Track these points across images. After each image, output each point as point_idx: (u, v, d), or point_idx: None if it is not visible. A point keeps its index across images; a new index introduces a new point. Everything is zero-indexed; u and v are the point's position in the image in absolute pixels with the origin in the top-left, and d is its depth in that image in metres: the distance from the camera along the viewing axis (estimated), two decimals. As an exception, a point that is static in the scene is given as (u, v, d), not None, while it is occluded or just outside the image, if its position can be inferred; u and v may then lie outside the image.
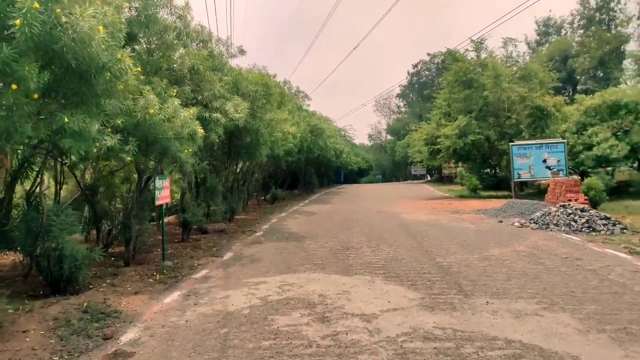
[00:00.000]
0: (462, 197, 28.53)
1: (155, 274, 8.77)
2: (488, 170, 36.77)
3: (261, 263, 9.75)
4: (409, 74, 74.39)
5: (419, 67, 73.89)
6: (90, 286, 7.70)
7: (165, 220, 17.77)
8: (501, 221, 16.12)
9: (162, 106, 7.86)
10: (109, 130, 7.45)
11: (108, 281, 8.17)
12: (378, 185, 58.66)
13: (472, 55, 25.04)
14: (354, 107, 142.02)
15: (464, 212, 19.13)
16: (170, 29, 9.25)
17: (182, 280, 8.40)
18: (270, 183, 29.55)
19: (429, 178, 65.04)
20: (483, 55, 24.69)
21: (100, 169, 11.50)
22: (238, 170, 20.28)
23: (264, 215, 19.52)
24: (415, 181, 64.50)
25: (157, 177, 9.24)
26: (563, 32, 53.75)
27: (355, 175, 73.51)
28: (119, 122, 7.54)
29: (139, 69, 6.82)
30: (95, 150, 7.19)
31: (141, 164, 9.40)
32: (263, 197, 28.17)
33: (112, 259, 10.34)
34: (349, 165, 56.95)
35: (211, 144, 13.21)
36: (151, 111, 7.56)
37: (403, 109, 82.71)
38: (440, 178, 50.96)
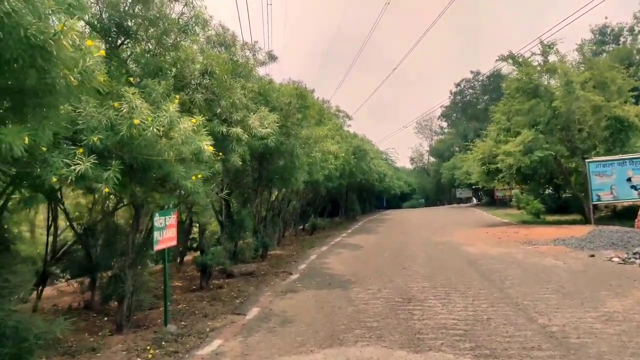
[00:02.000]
0: (525, 222, 25.11)
1: (149, 347, 6.38)
2: (550, 191, 33.00)
3: (295, 326, 7.20)
4: (451, 94, 71.07)
5: (462, 85, 70.55)
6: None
7: (187, 258, 15.55)
8: (593, 255, 12.96)
9: (154, 116, 5.62)
10: (80, 151, 5.28)
11: (79, 364, 5.85)
12: (423, 210, 55.20)
13: (538, 59, 22.07)
14: (394, 130, 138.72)
15: (538, 243, 15.95)
16: (173, 23, 7.09)
17: (184, 359, 5.96)
18: (309, 211, 27.15)
19: (475, 201, 60.90)
20: (552, 59, 21.66)
21: (101, 205, 9.41)
22: (273, 198, 18.01)
23: (301, 250, 17.01)
24: (462, 205, 60.53)
25: (156, 214, 6.96)
26: (622, 39, 49.55)
27: (398, 200, 70.16)
28: (95, 139, 5.37)
29: (103, 52, 4.58)
30: (54, 179, 5.01)
31: (139, 198, 7.17)
32: (301, 227, 25.77)
33: (106, 319, 8.06)
34: (391, 189, 53.94)
35: (236, 169, 11.01)
36: (135, 121, 5.33)
37: (446, 130, 79.19)
38: (492, 201, 47.05)
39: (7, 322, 4.82)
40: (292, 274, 11.96)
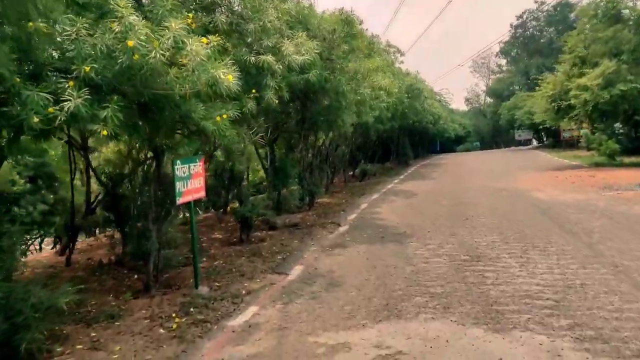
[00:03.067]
0: (598, 165, 22.57)
1: (175, 314, 5.53)
2: (624, 130, 29.63)
3: (343, 291, 6.13)
4: (512, 27, 65.21)
5: (525, 17, 64.48)
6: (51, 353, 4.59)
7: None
8: (694, 203, 11.00)
9: (157, 37, 4.40)
10: (70, 84, 4.21)
11: (92, 335, 5.06)
12: (479, 153, 52.32)
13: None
14: (448, 70, 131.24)
15: (620, 189, 13.93)
16: None
17: (210, 333, 5.05)
18: (358, 156, 25.79)
19: (536, 143, 56.89)
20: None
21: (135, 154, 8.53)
22: (320, 143, 16.78)
23: (351, 198, 15.86)
24: (522, 147, 56.83)
25: (177, 162, 5.90)
26: None
27: (452, 144, 66.94)
28: (87, 69, 4.29)
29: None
30: (35, 119, 3.99)
31: (156, 143, 6.13)
32: (351, 173, 24.56)
33: (136, 276, 7.34)
34: (445, 132, 51.22)
35: (274, 110, 9.78)
36: (130, 43, 4.14)
37: (505, 68, 73.63)
38: (557, 143, 43.46)
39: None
40: (340, 226, 10.88)
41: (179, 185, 5.88)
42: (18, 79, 3.98)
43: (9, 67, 3.88)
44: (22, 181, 18.51)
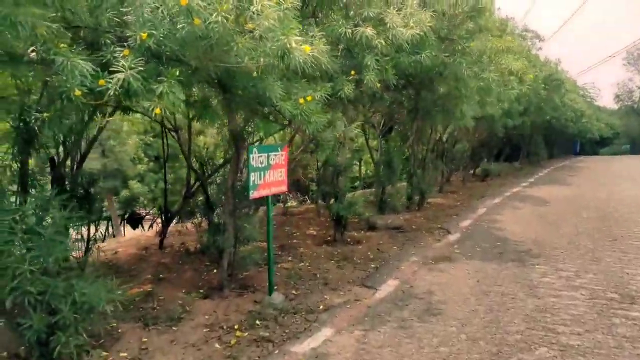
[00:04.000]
0: None
1: (238, 325, 4.78)
2: None
3: (441, 324, 4.87)
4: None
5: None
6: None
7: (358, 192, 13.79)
8: None
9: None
10: (126, 52, 3.58)
11: (144, 340, 4.50)
12: (629, 158, 45.14)
13: None
14: (596, 61, 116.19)
15: None
16: None
17: (270, 356, 4.19)
18: (481, 153, 23.38)
19: None
20: None
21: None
22: (438, 137, 15.21)
23: (468, 200, 14.09)
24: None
25: (253, 150, 5.12)
26: None
27: (594, 145, 58.93)
28: (144, 35, 3.63)
29: None
30: (78, 92, 3.42)
31: (234, 126, 5.42)
32: (471, 172, 22.35)
33: (215, 271, 6.82)
34: (588, 132, 44.92)
35: (381, 97, 8.71)
36: (183, 1, 3.37)
37: (671, 59, 62.60)
38: None
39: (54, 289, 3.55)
40: (450, 233, 9.42)
41: (253, 176, 5.10)
42: (63, 45, 3.42)
43: (51, 30, 3.36)
44: (146, 159, 19.58)
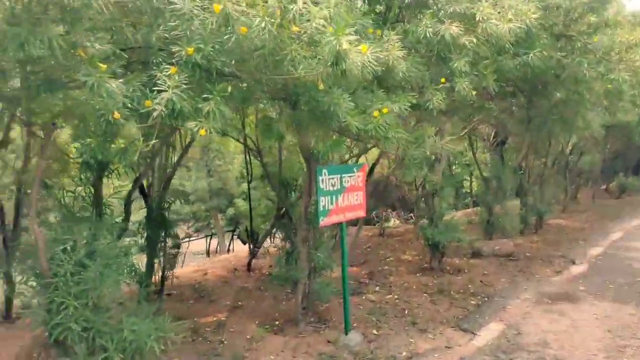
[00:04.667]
0: None
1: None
2: None
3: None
4: None
5: None
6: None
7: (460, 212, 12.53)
8: None
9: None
10: (173, 71, 3.29)
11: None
12: None
13: None
14: None
15: None
16: None
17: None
18: (616, 166, 20.27)
19: None
20: None
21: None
22: (560, 149, 13.36)
23: (599, 222, 12.02)
24: None
25: (322, 171, 4.55)
26: None
27: None
28: (190, 51, 3.31)
29: None
30: (116, 115, 3.18)
31: (306, 146, 4.92)
32: (604, 187, 19.49)
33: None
34: None
35: (482, 105, 7.73)
36: (216, 9, 2.98)
37: None
38: None
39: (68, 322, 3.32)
40: (574, 263, 7.91)
41: (323, 201, 4.53)
42: (103, 66, 3.20)
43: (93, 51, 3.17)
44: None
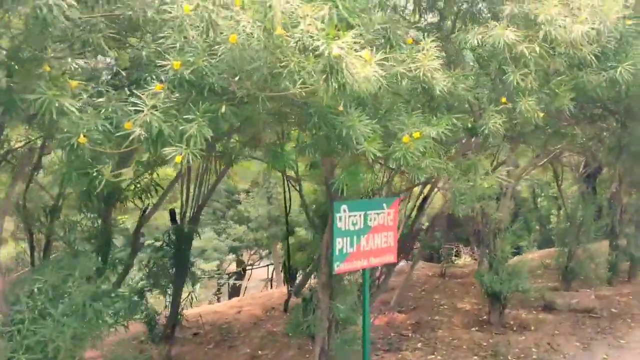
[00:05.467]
0: None
1: None
2: None
3: None
4: None
5: None
6: None
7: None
8: None
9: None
10: (158, 88, 2.84)
11: None
12: None
13: None
14: None
15: None
16: None
17: None
18: None
19: None
20: None
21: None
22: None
23: None
24: None
25: (341, 206, 3.84)
26: None
27: None
28: (176, 64, 2.82)
29: None
30: (82, 140, 2.77)
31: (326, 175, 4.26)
32: None
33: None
34: None
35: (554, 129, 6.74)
36: (186, 9, 2.46)
37: None
38: None
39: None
40: (675, 326, 6.42)
41: (340, 242, 3.79)
42: (75, 83, 2.82)
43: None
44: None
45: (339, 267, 3.83)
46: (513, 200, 9.70)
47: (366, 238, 4.00)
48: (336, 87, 2.55)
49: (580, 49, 4.60)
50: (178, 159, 2.71)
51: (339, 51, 2.33)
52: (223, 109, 3.02)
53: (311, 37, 2.42)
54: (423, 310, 7.35)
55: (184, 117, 2.83)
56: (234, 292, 16.69)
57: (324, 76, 2.49)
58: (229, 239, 18.26)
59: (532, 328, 6.33)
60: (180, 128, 2.80)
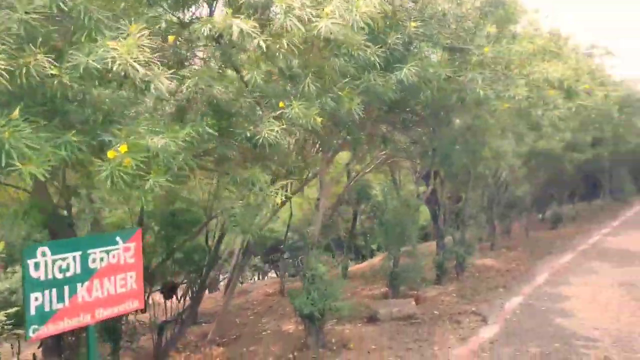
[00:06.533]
0: None
1: None
2: None
3: None
4: None
5: None
6: None
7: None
8: None
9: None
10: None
11: None
12: None
13: None
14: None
15: None
16: None
17: None
18: (550, 194, 19.57)
19: None
20: None
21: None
22: (486, 182, 12.24)
23: (528, 260, 10.83)
24: None
25: (36, 250, 2.88)
26: None
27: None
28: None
29: None
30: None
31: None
32: (541, 217, 18.75)
33: None
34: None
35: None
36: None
37: None
38: None
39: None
40: (486, 322, 6.50)
41: (38, 299, 2.83)
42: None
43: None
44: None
45: (38, 332, 2.85)
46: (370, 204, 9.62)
47: (87, 286, 3.09)
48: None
49: (365, 50, 4.32)
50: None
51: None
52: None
53: None
54: (246, 339, 6.64)
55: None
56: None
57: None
58: None
59: (351, 345, 5.93)
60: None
